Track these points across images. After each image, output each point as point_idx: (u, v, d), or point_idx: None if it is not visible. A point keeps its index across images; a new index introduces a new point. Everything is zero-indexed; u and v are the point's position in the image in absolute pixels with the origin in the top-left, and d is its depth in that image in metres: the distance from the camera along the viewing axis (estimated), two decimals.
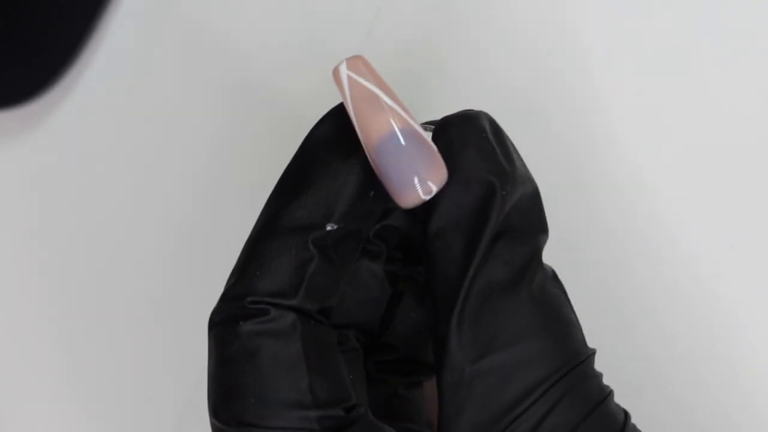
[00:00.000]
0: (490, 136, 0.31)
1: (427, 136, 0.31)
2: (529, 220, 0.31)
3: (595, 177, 0.42)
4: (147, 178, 0.46)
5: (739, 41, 0.42)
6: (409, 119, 0.29)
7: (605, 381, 0.31)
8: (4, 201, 0.46)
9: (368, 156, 0.30)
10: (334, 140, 0.31)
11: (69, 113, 0.46)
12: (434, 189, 0.29)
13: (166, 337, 0.45)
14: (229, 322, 0.29)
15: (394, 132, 0.29)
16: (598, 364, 0.31)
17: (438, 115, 0.43)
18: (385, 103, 0.29)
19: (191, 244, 0.45)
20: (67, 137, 0.46)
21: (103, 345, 0.45)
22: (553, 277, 0.31)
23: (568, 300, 0.31)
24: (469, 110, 0.31)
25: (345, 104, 0.30)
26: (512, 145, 0.31)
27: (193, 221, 0.46)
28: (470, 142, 0.30)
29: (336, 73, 0.30)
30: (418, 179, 0.29)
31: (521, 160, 0.31)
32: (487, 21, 0.44)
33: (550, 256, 0.34)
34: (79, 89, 0.46)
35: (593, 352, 0.31)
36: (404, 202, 0.29)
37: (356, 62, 0.30)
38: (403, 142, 0.29)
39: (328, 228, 0.30)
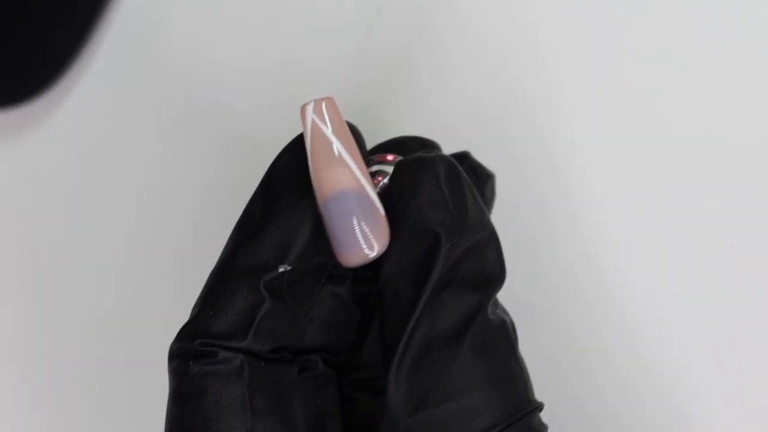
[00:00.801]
0: (443, 183, 0.30)
1: (385, 175, 0.31)
2: (480, 268, 0.31)
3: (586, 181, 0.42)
4: (147, 178, 0.46)
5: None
6: (362, 179, 0.29)
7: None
8: (4, 201, 0.46)
9: (318, 205, 0.30)
10: (293, 176, 0.31)
11: (69, 113, 0.46)
12: (375, 252, 0.30)
13: (166, 337, 0.45)
14: (182, 359, 0.30)
15: (344, 191, 0.29)
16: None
17: (435, 118, 0.43)
18: (342, 158, 0.29)
19: (193, 242, 0.45)
20: (67, 137, 0.46)
21: (103, 344, 0.45)
22: (501, 326, 0.31)
23: (514, 351, 0.31)
24: (425, 154, 0.31)
25: (305, 145, 0.30)
26: (469, 188, 0.31)
27: (195, 220, 0.46)
28: (420, 190, 0.30)
29: (302, 111, 0.30)
30: (361, 241, 0.29)
31: (478, 204, 0.31)
32: (487, 23, 0.43)
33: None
34: (79, 89, 0.46)
35: (538, 406, 0.31)
36: (345, 261, 0.30)
37: (322, 106, 0.30)
38: (351, 202, 0.29)
39: (281, 270, 0.30)
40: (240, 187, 0.45)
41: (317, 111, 0.30)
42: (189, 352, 0.30)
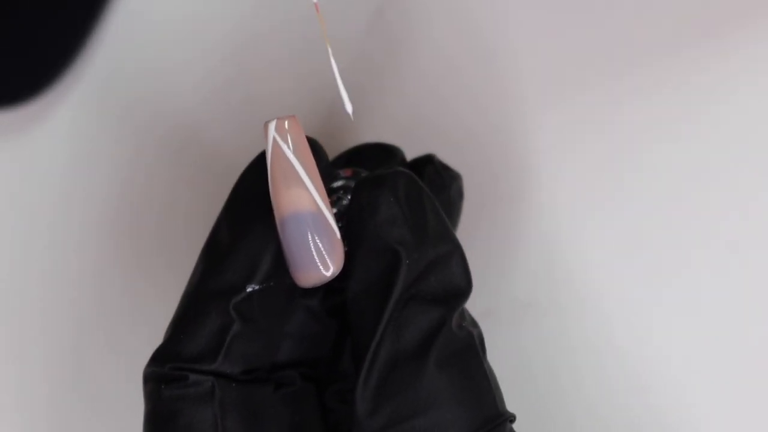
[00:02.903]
0: (402, 199, 0.30)
1: (334, 214, 0.31)
2: (444, 282, 0.31)
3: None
4: (147, 178, 0.46)
5: None
6: (319, 200, 0.30)
7: None
8: (4, 201, 0.46)
9: (276, 224, 0.30)
10: (257, 195, 0.31)
11: (69, 113, 0.46)
12: (330, 272, 0.30)
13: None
14: (155, 383, 0.30)
15: (300, 213, 0.29)
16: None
17: (400, 120, 0.43)
18: (300, 179, 0.30)
19: (193, 242, 0.45)
20: (67, 137, 0.46)
21: (103, 345, 0.46)
22: (467, 339, 0.31)
23: (482, 363, 0.31)
24: (384, 171, 0.31)
25: (267, 163, 0.30)
26: (430, 204, 0.31)
27: (196, 220, 0.46)
28: (379, 208, 0.30)
29: (265, 128, 0.30)
30: (317, 261, 0.30)
31: (439, 219, 0.31)
32: (449, 27, 0.43)
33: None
34: (79, 89, 0.46)
35: (509, 417, 0.30)
36: (301, 281, 0.30)
37: (284, 126, 0.30)
38: (307, 223, 0.29)
39: (249, 290, 0.30)
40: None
41: (279, 130, 0.30)
42: (161, 376, 0.30)
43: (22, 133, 0.47)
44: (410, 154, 0.37)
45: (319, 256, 0.29)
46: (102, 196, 0.46)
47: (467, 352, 0.30)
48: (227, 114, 0.45)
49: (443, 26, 0.44)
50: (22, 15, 0.45)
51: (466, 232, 0.39)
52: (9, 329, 0.46)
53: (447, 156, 0.37)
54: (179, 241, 0.45)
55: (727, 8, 0.41)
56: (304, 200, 0.29)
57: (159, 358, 0.31)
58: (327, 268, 0.30)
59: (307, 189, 0.29)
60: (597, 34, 0.42)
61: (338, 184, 0.32)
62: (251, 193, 0.31)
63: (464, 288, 0.31)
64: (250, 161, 0.32)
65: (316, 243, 0.29)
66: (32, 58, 0.45)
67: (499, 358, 0.35)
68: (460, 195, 0.36)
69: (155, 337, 0.35)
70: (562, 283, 0.41)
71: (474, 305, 0.33)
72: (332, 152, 0.34)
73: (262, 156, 0.31)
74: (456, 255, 0.31)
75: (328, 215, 0.30)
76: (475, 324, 0.32)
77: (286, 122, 0.30)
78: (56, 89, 0.46)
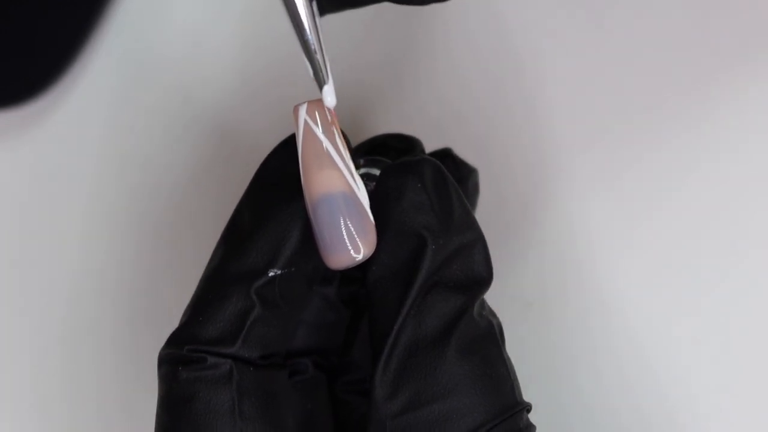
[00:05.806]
0: (428, 187, 0.31)
1: (371, 178, 0.31)
2: (467, 270, 0.31)
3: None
4: (148, 179, 0.46)
5: None
6: (351, 181, 0.30)
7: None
8: (4, 201, 0.46)
9: (307, 207, 0.30)
10: (282, 179, 0.31)
11: (69, 113, 0.46)
12: (361, 256, 0.30)
13: (161, 339, 0.45)
14: (172, 365, 0.30)
15: (333, 194, 0.29)
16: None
17: (418, 114, 0.43)
18: (333, 160, 0.30)
19: (192, 242, 0.46)
20: (67, 137, 0.46)
21: (103, 345, 0.46)
22: (487, 327, 0.31)
23: (501, 352, 0.31)
24: (411, 158, 0.31)
25: (297, 146, 0.30)
26: (455, 192, 0.31)
27: (196, 220, 0.46)
28: (405, 194, 0.30)
29: (295, 112, 0.30)
30: (348, 244, 0.30)
31: (464, 207, 0.31)
32: (470, 23, 0.43)
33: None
34: (79, 89, 0.46)
35: (525, 407, 0.31)
36: (332, 263, 0.30)
37: (314, 109, 0.30)
38: (340, 206, 0.29)
39: (271, 274, 0.30)
40: (239, 184, 0.45)
41: (310, 112, 0.30)
42: (178, 358, 0.30)
43: (22, 133, 0.47)
44: (427, 149, 0.37)
45: (350, 238, 0.29)
46: (103, 196, 0.46)
47: (487, 341, 0.30)
48: (229, 112, 0.45)
49: (462, 22, 0.44)
50: (22, 15, 0.45)
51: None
52: (9, 328, 0.46)
53: (466, 153, 0.37)
54: (183, 241, 0.45)
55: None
56: (336, 181, 0.29)
57: (176, 340, 0.30)
58: (358, 251, 0.30)
59: (339, 170, 0.30)
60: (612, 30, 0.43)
61: (360, 172, 0.32)
62: (276, 177, 0.31)
63: (486, 277, 0.31)
64: (268, 146, 0.32)
65: (347, 225, 0.29)
66: (32, 58, 0.45)
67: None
68: (475, 189, 0.37)
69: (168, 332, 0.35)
70: (565, 285, 0.41)
71: None
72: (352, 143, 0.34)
73: (287, 141, 0.31)
74: (479, 244, 0.31)
75: (361, 196, 0.30)
76: (494, 314, 0.32)
77: (317, 105, 0.30)
78: (56, 89, 0.46)
